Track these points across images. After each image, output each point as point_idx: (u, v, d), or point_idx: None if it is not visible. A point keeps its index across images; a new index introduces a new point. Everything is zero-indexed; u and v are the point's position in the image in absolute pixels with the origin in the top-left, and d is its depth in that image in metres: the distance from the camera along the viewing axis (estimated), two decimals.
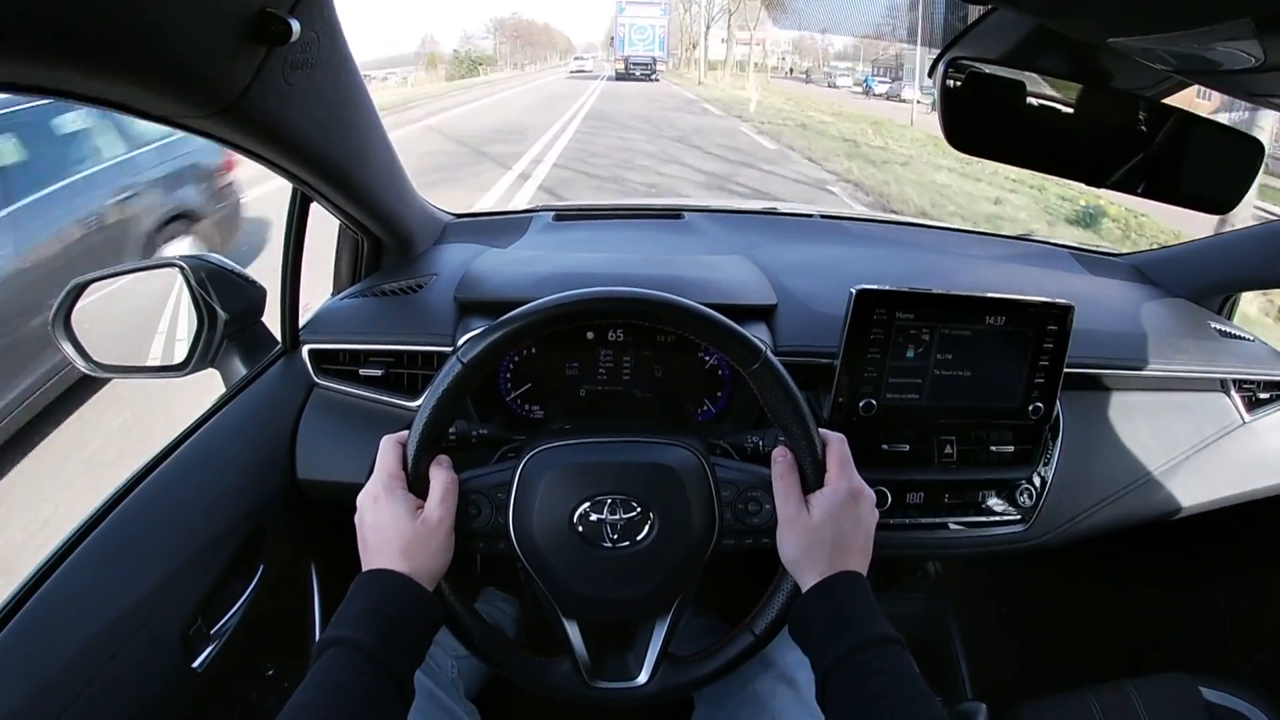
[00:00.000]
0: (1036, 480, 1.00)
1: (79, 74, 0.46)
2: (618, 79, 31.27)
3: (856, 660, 0.61)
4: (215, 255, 1.02)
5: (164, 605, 0.76)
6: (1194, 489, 1.07)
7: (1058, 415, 1.02)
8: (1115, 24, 0.54)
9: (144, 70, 0.50)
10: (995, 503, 0.99)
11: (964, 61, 0.68)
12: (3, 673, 0.64)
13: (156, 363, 1.05)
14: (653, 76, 31.42)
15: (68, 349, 0.93)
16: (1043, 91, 0.70)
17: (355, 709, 0.56)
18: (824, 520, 0.67)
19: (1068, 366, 0.95)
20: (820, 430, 0.71)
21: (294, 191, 0.91)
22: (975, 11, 0.71)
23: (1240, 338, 1.19)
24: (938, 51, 0.74)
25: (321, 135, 0.74)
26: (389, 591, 0.64)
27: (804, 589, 0.67)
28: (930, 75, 0.70)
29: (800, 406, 0.70)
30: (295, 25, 0.55)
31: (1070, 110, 0.71)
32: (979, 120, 0.72)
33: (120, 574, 0.74)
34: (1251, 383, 1.14)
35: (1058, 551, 1.03)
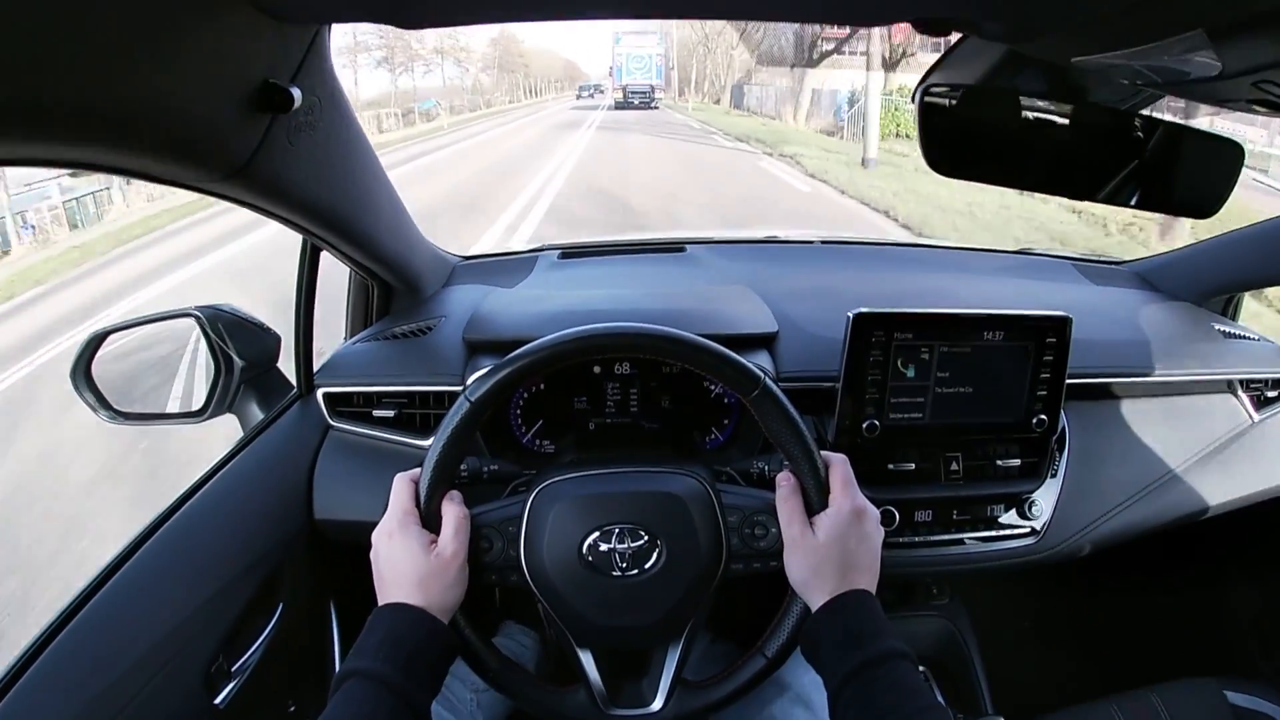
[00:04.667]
0: (1046, 492, 1.00)
1: (99, 149, 0.49)
2: (617, 108, 31.27)
3: (866, 676, 0.61)
4: (230, 304, 1.05)
5: (186, 643, 0.78)
6: (1206, 491, 1.06)
7: (1063, 427, 1.02)
8: (1077, 44, 0.56)
9: (157, 142, 0.53)
10: (1005, 517, 0.99)
11: (942, 87, 0.70)
12: (31, 709, 0.65)
13: (176, 410, 1.09)
14: (652, 105, 31.48)
15: (89, 399, 0.96)
16: (1029, 107, 0.72)
17: None
18: (829, 540, 0.68)
19: (1072, 377, 0.95)
20: (822, 452, 0.72)
21: (304, 242, 0.94)
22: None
23: (1245, 337, 1.19)
24: None
25: (327, 191, 0.77)
26: (406, 624, 0.65)
27: (813, 609, 0.68)
28: (912, 101, 0.73)
29: (800, 430, 0.71)
30: (296, 93, 0.59)
31: (1055, 128, 0.73)
32: (961, 142, 0.74)
33: (144, 613, 0.76)
34: (1259, 381, 1.13)
35: (1073, 561, 1.02)
